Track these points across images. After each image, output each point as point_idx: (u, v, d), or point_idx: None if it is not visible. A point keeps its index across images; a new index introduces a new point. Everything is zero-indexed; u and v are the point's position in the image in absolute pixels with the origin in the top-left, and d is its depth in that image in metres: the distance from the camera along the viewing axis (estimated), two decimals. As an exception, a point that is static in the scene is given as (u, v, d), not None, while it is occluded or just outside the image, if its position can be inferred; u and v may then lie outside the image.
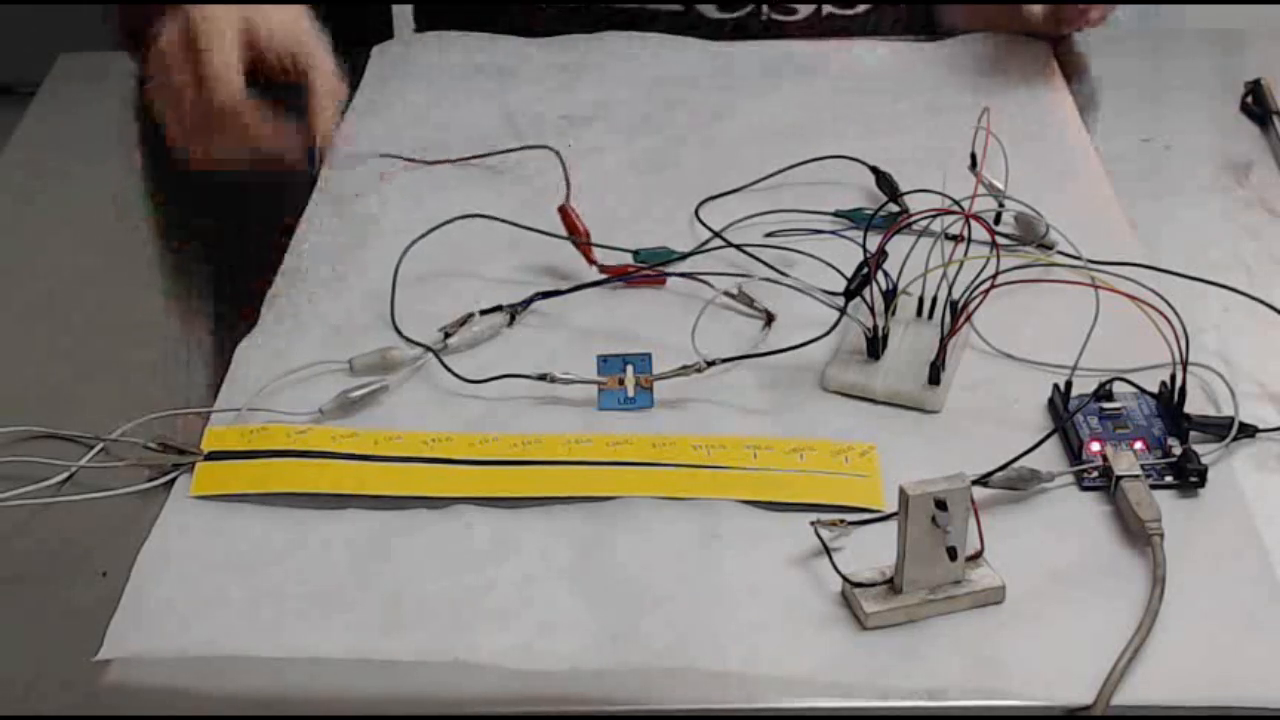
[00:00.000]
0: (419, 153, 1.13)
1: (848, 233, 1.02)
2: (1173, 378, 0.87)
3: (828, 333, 0.92)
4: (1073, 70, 1.23)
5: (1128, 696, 0.73)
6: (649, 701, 0.74)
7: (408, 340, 0.95)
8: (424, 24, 1.40)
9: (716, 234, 1.03)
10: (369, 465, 0.86)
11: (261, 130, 1.00)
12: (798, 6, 1.30)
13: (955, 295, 0.91)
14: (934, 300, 0.94)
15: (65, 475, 0.86)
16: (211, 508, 0.85)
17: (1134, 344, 0.87)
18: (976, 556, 0.78)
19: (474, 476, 0.86)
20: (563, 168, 1.06)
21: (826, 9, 1.30)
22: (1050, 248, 1.00)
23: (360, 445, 0.88)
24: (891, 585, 0.77)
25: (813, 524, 0.80)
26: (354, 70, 1.23)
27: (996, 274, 0.87)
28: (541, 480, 0.85)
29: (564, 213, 1.02)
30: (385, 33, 1.33)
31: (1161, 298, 0.87)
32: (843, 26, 1.31)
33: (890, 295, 0.93)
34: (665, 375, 0.91)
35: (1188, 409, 0.87)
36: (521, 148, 1.13)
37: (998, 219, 1.02)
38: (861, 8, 1.31)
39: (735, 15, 1.29)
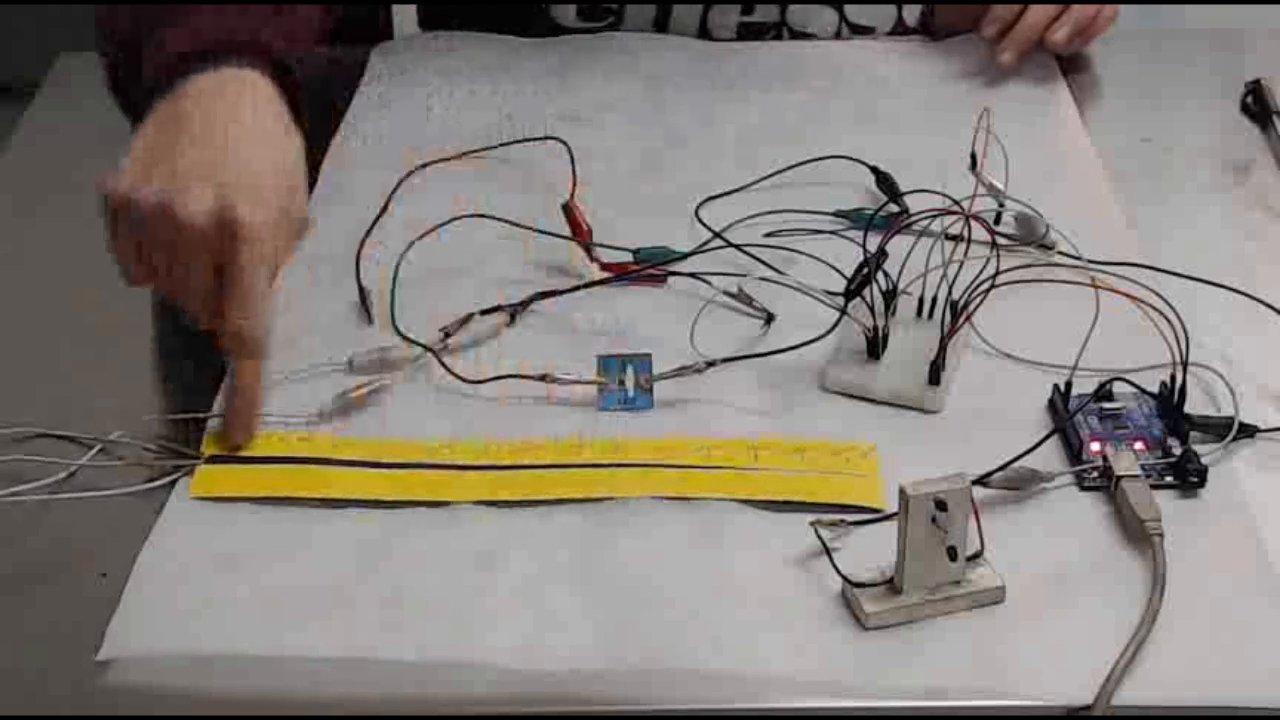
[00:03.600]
0: (419, 153, 1.13)
1: (848, 233, 1.02)
2: (1173, 378, 0.87)
3: (828, 333, 0.92)
4: (1073, 70, 1.23)
5: (1128, 696, 0.73)
6: (649, 701, 0.75)
7: (408, 340, 0.95)
8: (424, 24, 1.40)
9: (717, 234, 1.03)
10: (370, 473, 0.86)
11: None
12: (816, 32, 1.29)
13: (955, 295, 0.91)
14: (934, 300, 0.94)
15: (65, 475, 0.86)
16: (211, 508, 0.85)
17: (1134, 344, 0.87)
18: (976, 556, 0.78)
19: (474, 482, 0.85)
20: (571, 162, 1.06)
21: (846, 33, 1.29)
22: (1050, 248, 1.00)
23: (360, 453, 0.88)
24: (891, 585, 0.77)
25: (813, 524, 0.80)
26: (354, 70, 1.23)
27: (996, 274, 0.87)
28: (542, 484, 0.85)
29: (569, 210, 1.02)
30: (385, 33, 1.33)
31: (1161, 298, 0.87)
32: None
33: (890, 295, 0.93)
34: (665, 375, 0.91)
35: (1188, 409, 0.87)
36: (528, 140, 1.13)
37: (998, 219, 1.02)
38: (882, 32, 1.30)
39: (755, 45, 1.28)
